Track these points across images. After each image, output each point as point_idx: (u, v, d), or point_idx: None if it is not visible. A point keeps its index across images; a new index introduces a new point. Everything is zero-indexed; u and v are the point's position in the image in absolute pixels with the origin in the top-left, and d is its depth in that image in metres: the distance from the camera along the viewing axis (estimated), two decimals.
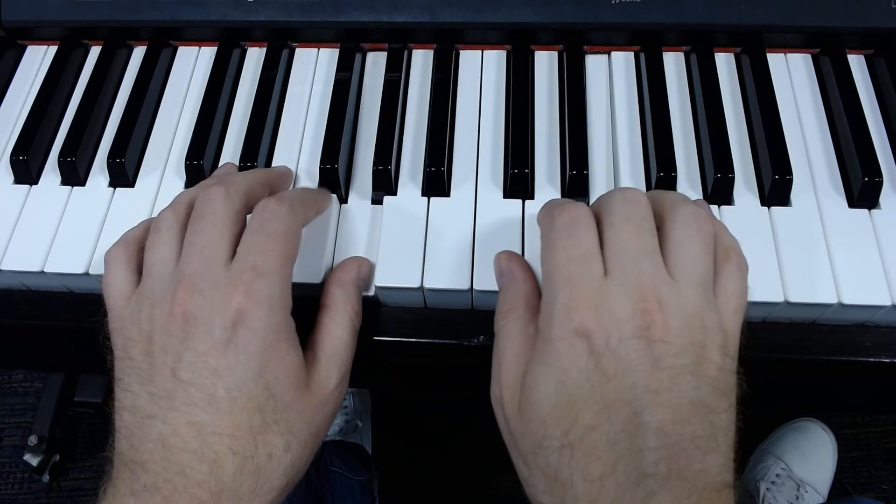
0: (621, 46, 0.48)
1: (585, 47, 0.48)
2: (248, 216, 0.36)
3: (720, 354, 0.30)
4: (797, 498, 1.02)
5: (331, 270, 0.40)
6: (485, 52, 0.48)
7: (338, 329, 0.36)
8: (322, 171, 0.42)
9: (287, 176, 0.43)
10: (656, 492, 0.28)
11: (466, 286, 0.39)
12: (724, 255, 0.33)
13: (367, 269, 0.39)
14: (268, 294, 0.32)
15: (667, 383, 0.29)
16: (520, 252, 0.39)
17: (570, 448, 0.29)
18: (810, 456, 1.07)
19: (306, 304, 0.37)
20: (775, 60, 0.47)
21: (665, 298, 0.29)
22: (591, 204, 0.35)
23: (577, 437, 0.29)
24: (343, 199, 0.43)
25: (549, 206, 0.35)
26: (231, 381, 0.31)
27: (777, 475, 1.05)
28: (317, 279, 0.39)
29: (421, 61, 0.48)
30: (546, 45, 0.48)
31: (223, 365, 0.31)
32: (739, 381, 0.31)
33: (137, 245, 0.36)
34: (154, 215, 0.40)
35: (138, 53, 0.50)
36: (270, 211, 0.34)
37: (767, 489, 1.03)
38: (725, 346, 0.31)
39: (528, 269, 0.36)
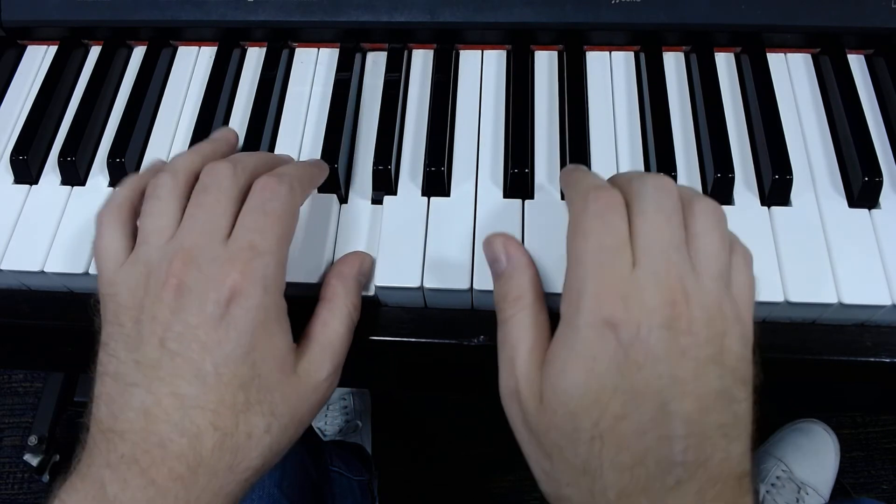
0: (621, 46, 0.48)
1: (585, 47, 0.48)
2: None
3: (740, 344, 0.31)
4: (797, 500, 1.02)
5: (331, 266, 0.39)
6: (485, 52, 0.48)
7: (335, 322, 0.35)
8: None
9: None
10: (684, 480, 0.28)
11: (466, 286, 0.39)
12: (731, 247, 0.33)
13: (368, 265, 0.39)
14: (263, 274, 0.32)
15: (692, 373, 0.29)
16: None
17: (601, 438, 0.29)
18: (812, 457, 1.07)
19: (304, 304, 0.37)
20: (775, 60, 0.47)
21: (690, 291, 0.30)
22: (617, 178, 0.35)
23: (607, 427, 0.29)
24: (343, 199, 0.43)
25: (583, 188, 0.33)
26: (219, 356, 0.31)
27: (777, 477, 1.04)
28: (315, 279, 0.39)
29: (421, 61, 0.48)
30: (546, 45, 0.48)
31: (213, 340, 0.31)
32: (756, 371, 0.31)
33: (131, 208, 0.36)
34: None
35: (138, 53, 0.50)
36: (270, 190, 0.34)
37: (767, 492, 1.03)
38: (744, 335, 0.31)
39: (528, 253, 0.36)
